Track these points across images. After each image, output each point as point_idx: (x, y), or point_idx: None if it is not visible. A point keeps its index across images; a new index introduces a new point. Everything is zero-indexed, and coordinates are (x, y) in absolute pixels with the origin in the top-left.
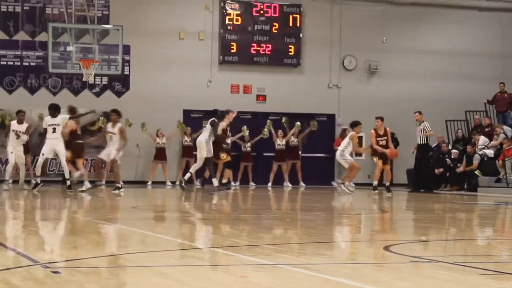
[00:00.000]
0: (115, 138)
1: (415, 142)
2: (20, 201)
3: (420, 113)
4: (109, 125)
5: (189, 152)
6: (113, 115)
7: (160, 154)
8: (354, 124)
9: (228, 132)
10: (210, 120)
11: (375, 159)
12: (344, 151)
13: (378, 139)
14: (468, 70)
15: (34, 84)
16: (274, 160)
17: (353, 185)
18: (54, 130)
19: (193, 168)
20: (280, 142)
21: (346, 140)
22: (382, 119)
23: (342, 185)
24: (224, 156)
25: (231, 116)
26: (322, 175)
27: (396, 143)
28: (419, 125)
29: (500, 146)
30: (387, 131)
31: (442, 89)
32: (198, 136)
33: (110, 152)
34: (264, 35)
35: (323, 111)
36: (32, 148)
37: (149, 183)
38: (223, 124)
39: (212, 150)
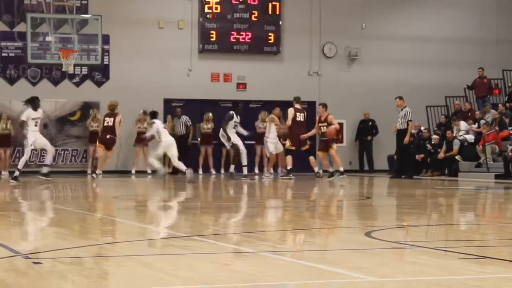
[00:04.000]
0: None
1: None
2: None
3: (400, 98)
4: None
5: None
6: None
7: (141, 139)
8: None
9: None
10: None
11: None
12: (268, 137)
13: (319, 124)
14: (448, 55)
15: (14, 74)
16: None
17: (272, 172)
18: (36, 124)
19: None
20: (205, 126)
21: (268, 124)
22: (324, 105)
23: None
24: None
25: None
26: (302, 162)
27: (375, 130)
28: (401, 110)
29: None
30: (328, 117)
31: (422, 75)
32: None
33: None
34: (243, 23)
35: (304, 99)
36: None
37: (133, 171)
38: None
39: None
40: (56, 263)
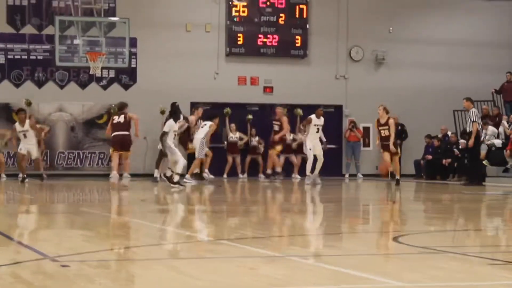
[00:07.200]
0: (29, 134)
1: (423, 132)
2: (26, 194)
3: (467, 99)
4: (17, 124)
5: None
6: (21, 113)
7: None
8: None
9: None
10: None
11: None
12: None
13: (379, 128)
14: (475, 59)
15: (42, 77)
16: (228, 152)
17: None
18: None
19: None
20: (232, 135)
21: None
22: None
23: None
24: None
25: (199, 112)
26: (330, 166)
27: (404, 134)
28: (468, 112)
29: (507, 136)
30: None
31: (448, 79)
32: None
33: (31, 150)
34: (270, 26)
35: (330, 102)
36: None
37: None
38: (192, 119)
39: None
40: (83, 266)
